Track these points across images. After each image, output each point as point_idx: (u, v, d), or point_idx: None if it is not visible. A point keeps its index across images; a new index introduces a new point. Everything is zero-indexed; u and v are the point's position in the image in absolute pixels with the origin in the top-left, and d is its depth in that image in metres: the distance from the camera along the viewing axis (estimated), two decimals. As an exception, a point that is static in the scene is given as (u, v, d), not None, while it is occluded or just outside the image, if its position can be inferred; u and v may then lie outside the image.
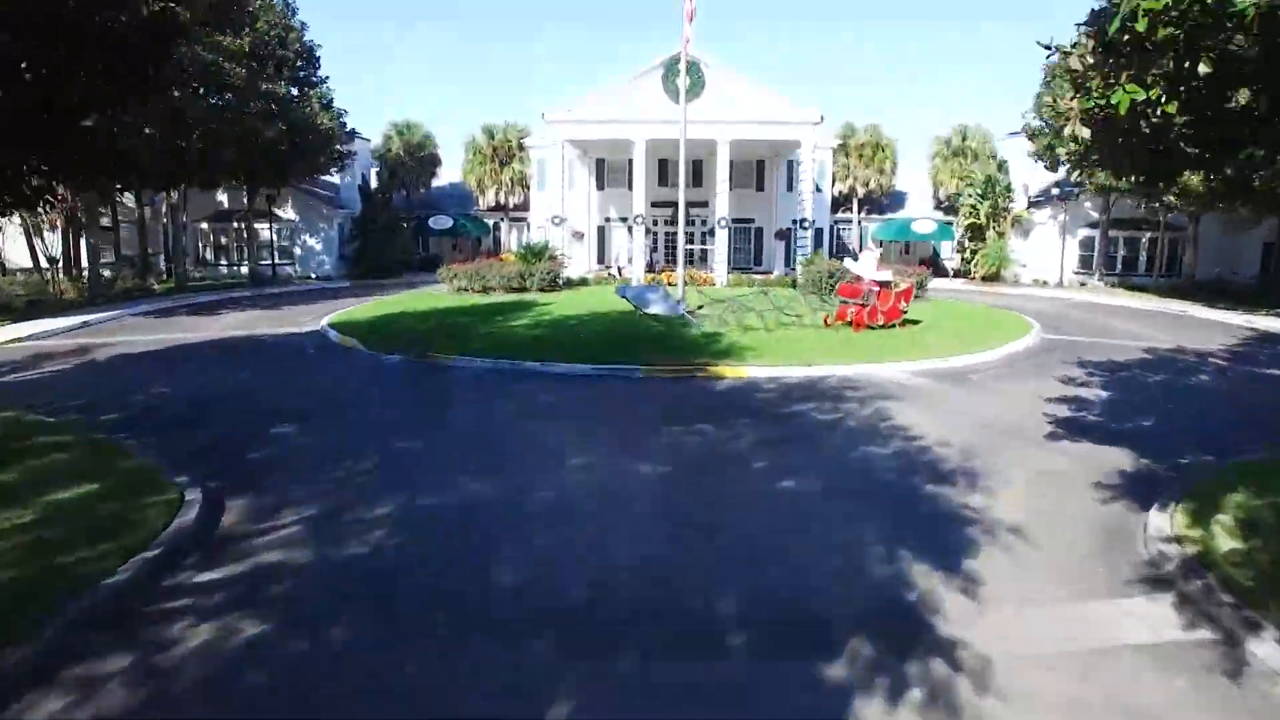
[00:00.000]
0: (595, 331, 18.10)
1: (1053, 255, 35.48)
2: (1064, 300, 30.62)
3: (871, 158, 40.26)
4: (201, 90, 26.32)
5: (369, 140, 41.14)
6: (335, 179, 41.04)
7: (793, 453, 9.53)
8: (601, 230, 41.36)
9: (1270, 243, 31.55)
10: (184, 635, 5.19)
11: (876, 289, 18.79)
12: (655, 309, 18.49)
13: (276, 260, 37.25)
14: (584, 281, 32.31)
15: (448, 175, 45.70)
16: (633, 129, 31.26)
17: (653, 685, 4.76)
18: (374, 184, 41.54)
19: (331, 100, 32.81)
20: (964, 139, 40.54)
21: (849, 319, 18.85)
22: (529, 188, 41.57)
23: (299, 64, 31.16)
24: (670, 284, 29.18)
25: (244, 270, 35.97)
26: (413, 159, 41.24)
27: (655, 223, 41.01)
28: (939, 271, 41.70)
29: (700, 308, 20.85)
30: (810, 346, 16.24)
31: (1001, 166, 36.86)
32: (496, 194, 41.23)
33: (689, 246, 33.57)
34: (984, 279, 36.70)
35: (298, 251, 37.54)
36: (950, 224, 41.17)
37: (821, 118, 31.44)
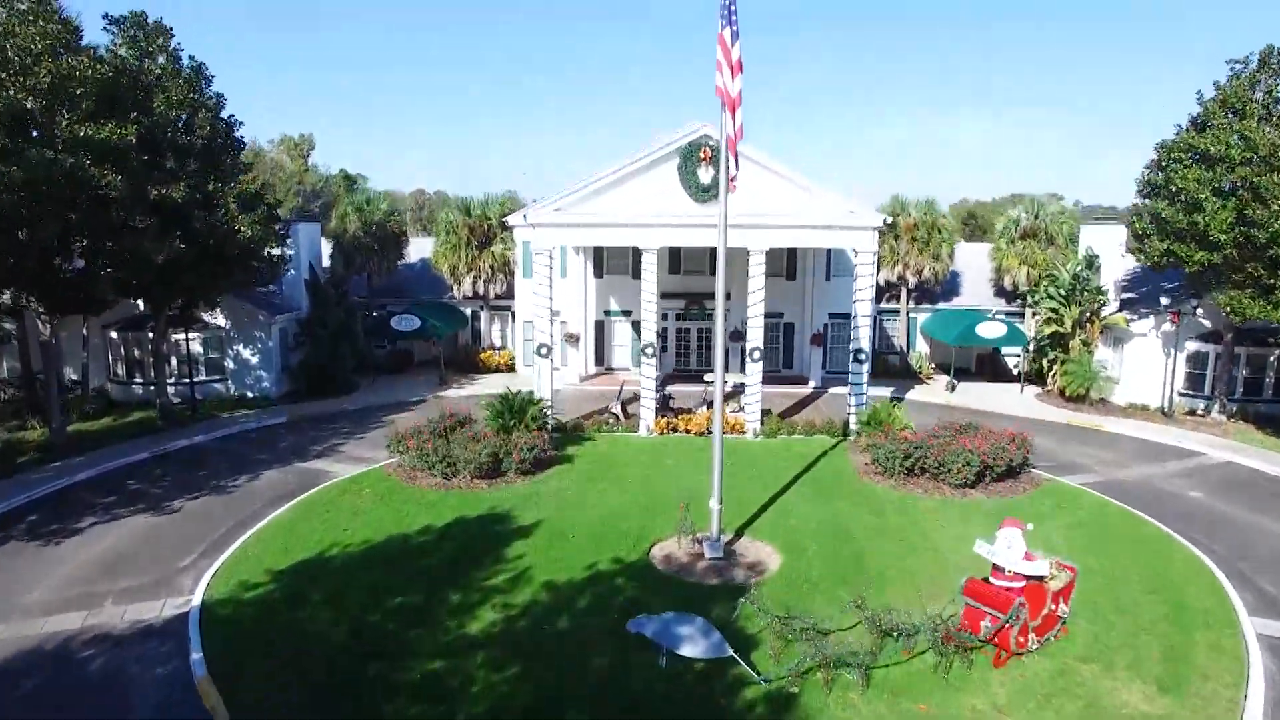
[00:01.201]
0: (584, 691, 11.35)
1: (1154, 372, 28.78)
2: (1199, 461, 23.84)
3: (926, 242, 33.50)
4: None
5: (318, 218, 34.33)
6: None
7: None
8: (600, 325, 34.64)
9: None
10: None
11: (1023, 599, 11.99)
12: (690, 649, 11.70)
13: (204, 377, 30.40)
14: (580, 433, 25.42)
15: (418, 250, 38.92)
16: (639, 234, 24.48)
17: None
18: (332, 260, 34.73)
19: (261, 194, 25.95)
20: (1036, 217, 33.77)
21: (982, 634, 12.10)
22: (513, 274, 34.79)
23: (214, 151, 24.30)
24: (687, 416, 22.49)
25: (172, 388, 29.16)
26: (373, 238, 34.39)
27: (665, 316, 34.29)
28: (999, 372, 35.03)
29: (755, 590, 14.05)
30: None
31: (1092, 264, 30.03)
32: (474, 283, 34.42)
33: (693, 350, 26.41)
34: (1066, 396, 29.97)
35: (230, 365, 30.67)
36: (1017, 322, 34.48)
37: (886, 221, 24.65)
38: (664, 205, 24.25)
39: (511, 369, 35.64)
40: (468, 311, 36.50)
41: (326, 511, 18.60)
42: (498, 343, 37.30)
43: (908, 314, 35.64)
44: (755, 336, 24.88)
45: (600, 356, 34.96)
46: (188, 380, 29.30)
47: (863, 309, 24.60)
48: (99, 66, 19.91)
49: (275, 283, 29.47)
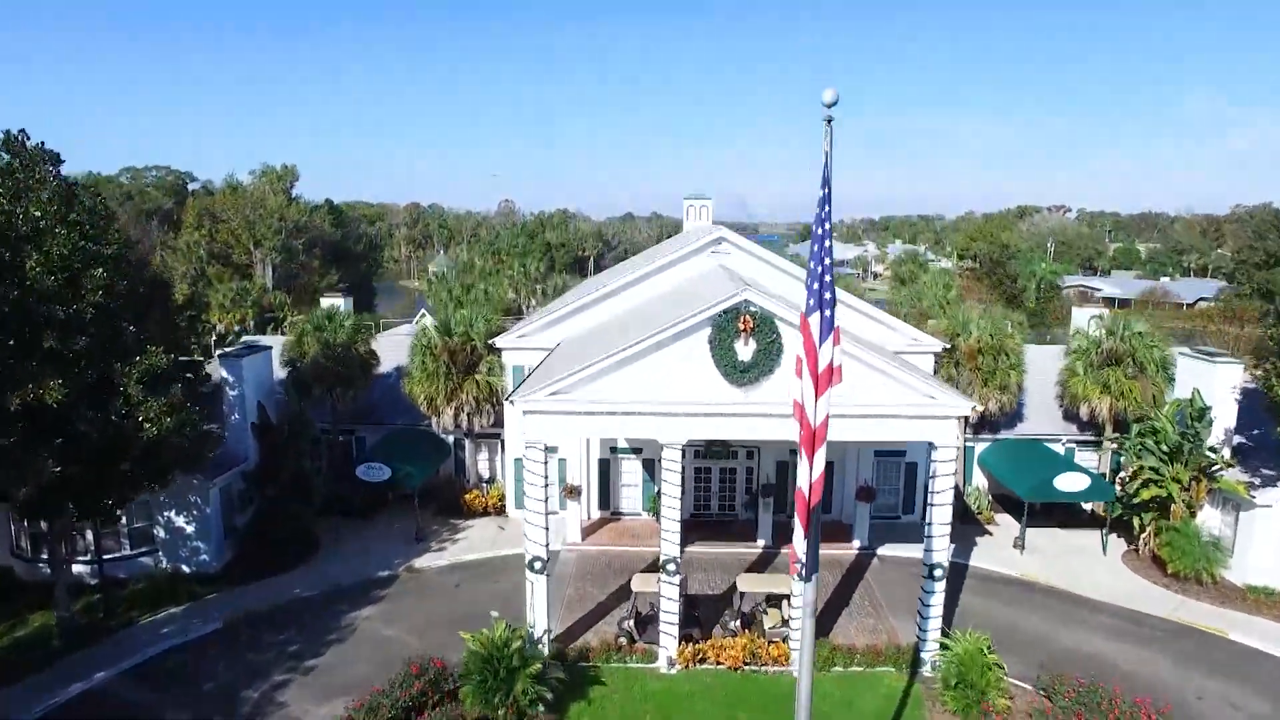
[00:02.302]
0: None
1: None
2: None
3: (992, 370, 28.26)
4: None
5: (270, 344, 29.03)
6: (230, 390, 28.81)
7: None
8: (605, 465, 29.43)
9: None
10: None
11: None
12: None
13: (129, 551, 25.16)
14: (586, 666, 20.13)
15: (391, 357, 33.58)
16: (659, 425, 19.22)
17: None
18: (286, 393, 29.44)
19: (184, 368, 20.72)
20: (1124, 339, 28.51)
21: None
22: (501, 404, 29.54)
23: (110, 318, 19.00)
24: (719, 644, 17.45)
25: (87, 568, 23.94)
26: (337, 362, 29.08)
27: (682, 454, 29.06)
28: (1072, 517, 29.85)
29: None
30: None
31: (1204, 416, 24.76)
32: (456, 415, 29.13)
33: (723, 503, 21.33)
34: (1167, 570, 24.83)
35: (162, 534, 25.42)
36: (1095, 458, 29.37)
37: (975, 410, 19.45)
38: (691, 387, 18.99)
39: (501, 510, 30.41)
40: (450, 439, 31.23)
41: None
42: (485, 473, 32.05)
43: (964, 444, 30.44)
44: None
45: (605, 499, 29.75)
46: (110, 557, 24.10)
47: (941, 515, 19.34)
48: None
49: (200, 471, 23.77)
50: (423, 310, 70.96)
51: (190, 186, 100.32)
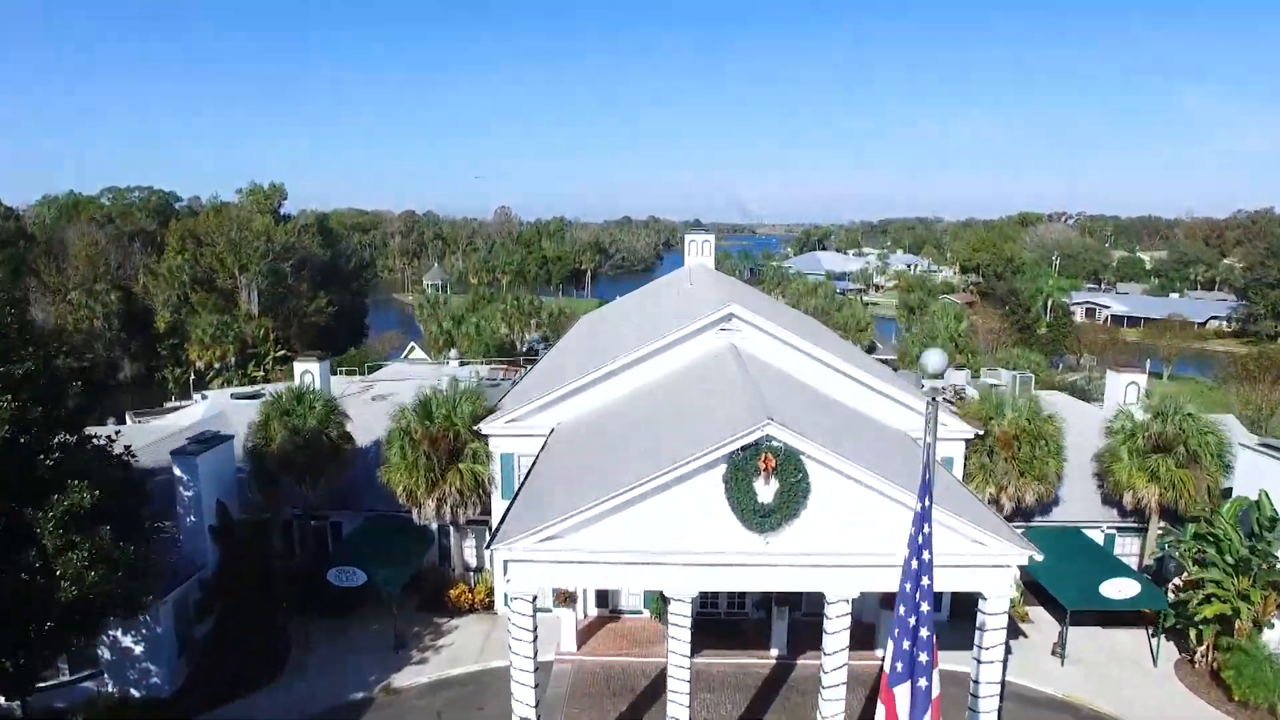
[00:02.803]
0: None
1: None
2: None
3: (1029, 459, 25.64)
4: None
5: (230, 434, 26.26)
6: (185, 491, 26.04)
7: None
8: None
9: None
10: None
11: None
12: None
13: (68, 677, 22.47)
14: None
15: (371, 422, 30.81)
16: (664, 575, 16.58)
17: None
18: (249, 489, 26.72)
19: (124, 484, 17.98)
20: (1176, 424, 25.84)
21: None
22: (489, 494, 26.87)
23: (25, 455, 16.31)
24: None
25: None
26: (306, 452, 26.33)
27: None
28: (1115, 615, 27.15)
29: None
30: None
31: (1275, 526, 22.16)
32: (439, 508, 26.43)
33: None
34: (1230, 691, 22.25)
35: (107, 655, 22.74)
36: (1140, 557, 26.84)
37: (1031, 558, 16.82)
38: (703, 532, 16.36)
39: (489, 606, 27.71)
40: (433, 526, 28.53)
41: None
42: (472, 561, 29.36)
43: (996, 532, 27.80)
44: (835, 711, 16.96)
45: (603, 596, 27.10)
46: (45, 685, 21.38)
47: (989, 674, 16.70)
48: None
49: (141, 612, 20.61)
50: (413, 344, 68.34)
51: (175, 205, 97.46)
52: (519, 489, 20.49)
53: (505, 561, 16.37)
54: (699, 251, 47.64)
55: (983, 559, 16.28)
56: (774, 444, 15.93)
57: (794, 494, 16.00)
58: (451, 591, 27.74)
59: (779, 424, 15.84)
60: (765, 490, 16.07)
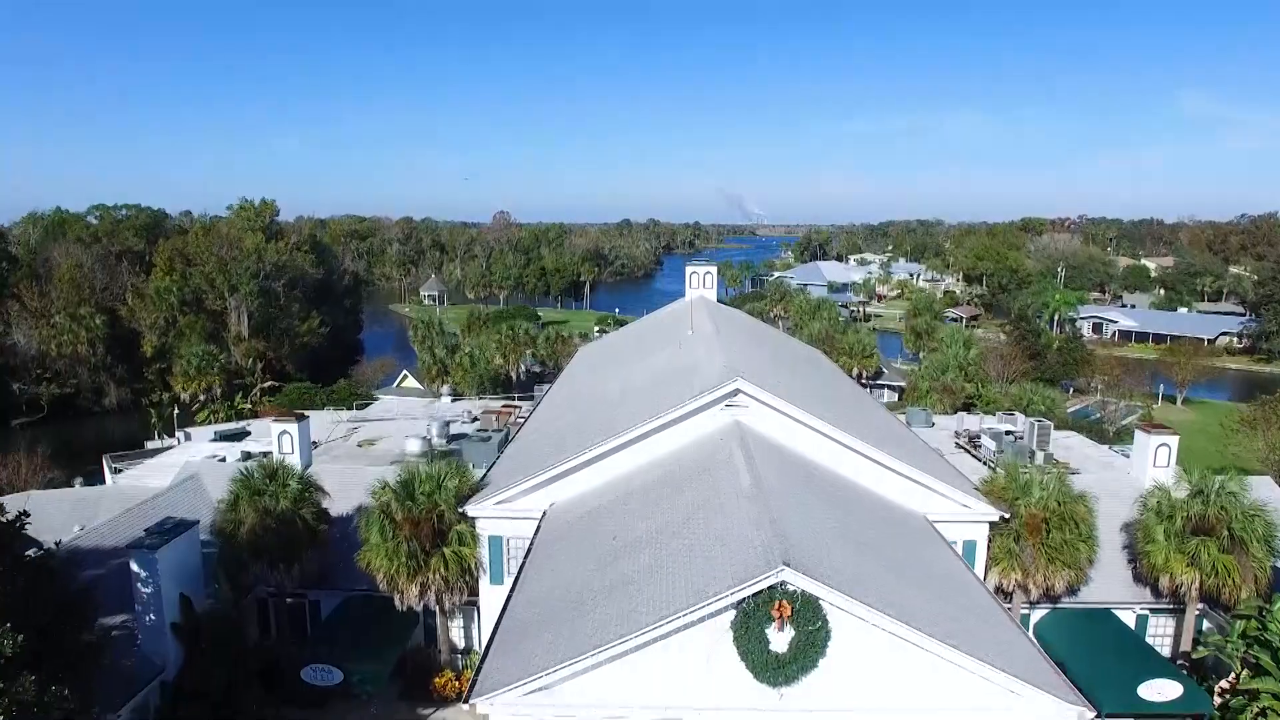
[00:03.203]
0: None
1: None
2: None
3: (1059, 548, 23.73)
4: None
5: (196, 519, 24.31)
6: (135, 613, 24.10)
7: None
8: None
9: None
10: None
11: None
12: None
13: (13, 796, 20.53)
14: None
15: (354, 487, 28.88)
16: (669, 726, 14.64)
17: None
18: (217, 580, 24.77)
19: (57, 622, 16.00)
20: (1217, 505, 23.93)
21: None
22: (477, 578, 24.97)
23: None
24: None
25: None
26: (277, 530, 24.41)
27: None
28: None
29: None
30: None
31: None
32: (422, 593, 24.51)
33: None
34: (1284, 809, 20.35)
35: (56, 771, 20.78)
36: (1173, 642, 24.94)
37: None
38: (709, 682, 14.45)
39: (477, 695, 25.77)
40: (418, 609, 26.58)
41: None
42: (460, 643, 27.48)
43: (1020, 615, 25.92)
44: None
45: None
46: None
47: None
48: None
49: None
50: (405, 372, 66.36)
51: (164, 223, 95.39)
52: (505, 604, 18.52)
53: (499, 704, 14.47)
54: (700, 283, 46.02)
55: (1011, 711, 14.35)
56: (789, 589, 14.03)
57: (812, 643, 14.10)
58: (437, 680, 25.81)
59: (795, 569, 13.90)
60: (779, 639, 14.16)
